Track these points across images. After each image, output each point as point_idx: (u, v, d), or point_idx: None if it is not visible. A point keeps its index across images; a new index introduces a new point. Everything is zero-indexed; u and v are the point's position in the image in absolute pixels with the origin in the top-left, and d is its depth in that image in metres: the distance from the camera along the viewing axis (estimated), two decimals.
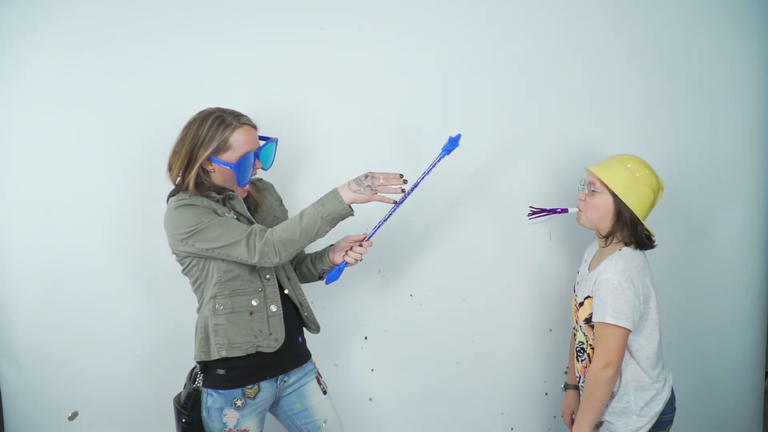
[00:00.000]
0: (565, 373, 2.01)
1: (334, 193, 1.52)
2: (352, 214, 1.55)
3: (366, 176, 1.52)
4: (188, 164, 1.56)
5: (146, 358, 2.03)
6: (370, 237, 1.67)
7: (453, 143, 1.65)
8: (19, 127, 1.94)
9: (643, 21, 2.09)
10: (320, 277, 1.76)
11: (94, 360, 2.02)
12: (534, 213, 1.80)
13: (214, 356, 1.58)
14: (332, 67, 1.97)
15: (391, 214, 1.63)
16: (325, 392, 1.76)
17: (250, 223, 1.61)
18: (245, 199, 1.66)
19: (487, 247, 2.09)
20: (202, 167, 1.57)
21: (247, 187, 1.64)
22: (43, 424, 2.07)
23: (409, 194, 1.60)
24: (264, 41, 1.93)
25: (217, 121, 1.55)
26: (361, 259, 1.68)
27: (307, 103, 1.97)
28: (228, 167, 1.55)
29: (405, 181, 1.54)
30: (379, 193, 1.52)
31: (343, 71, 1.97)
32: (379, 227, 1.66)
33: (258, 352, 1.60)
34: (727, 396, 2.28)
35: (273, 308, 1.61)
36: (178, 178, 1.60)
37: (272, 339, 1.60)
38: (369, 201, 1.53)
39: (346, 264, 1.68)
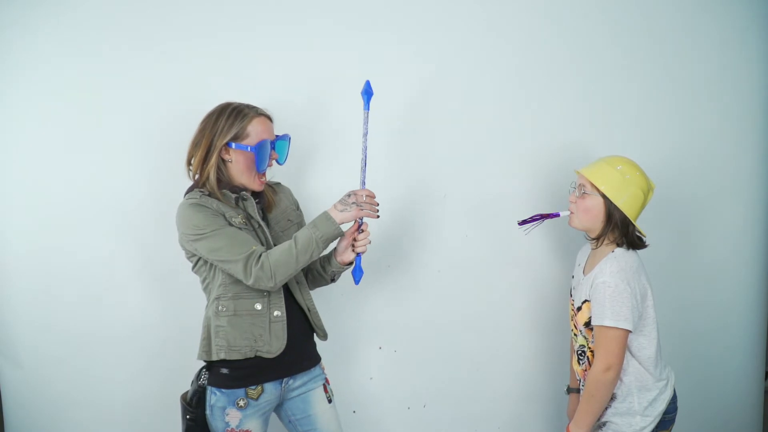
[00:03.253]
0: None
1: (326, 216, 1.56)
2: (343, 234, 1.61)
3: (349, 195, 1.58)
4: (207, 154, 1.59)
5: (148, 359, 2.02)
6: (362, 222, 1.67)
7: (368, 92, 1.65)
8: (22, 126, 1.94)
9: (640, 22, 2.10)
10: (332, 280, 1.77)
11: (93, 360, 2.01)
12: (525, 222, 1.80)
13: (214, 357, 1.60)
14: (337, 67, 1.97)
15: (363, 182, 1.66)
16: (330, 401, 1.75)
17: (260, 226, 1.63)
18: (260, 199, 1.69)
19: (484, 250, 2.09)
20: (221, 157, 1.60)
21: (264, 179, 1.66)
22: (43, 424, 2.06)
23: (365, 161, 1.65)
24: (272, 40, 1.94)
25: (234, 112, 1.60)
26: (369, 242, 1.69)
27: (314, 101, 1.97)
28: (247, 149, 1.58)
29: (376, 204, 1.63)
30: (363, 210, 1.58)
31: (347, 71, 1.96)
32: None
33: (257, 356, 1.60)
34: (727, 397, 2.28)
35: (276, 313, 1.61)
36: (197, 173, 1.63)
37: (272, 345, 1.60)
38: (355, 218, 1.59)
39: (360, 255, 1.68)
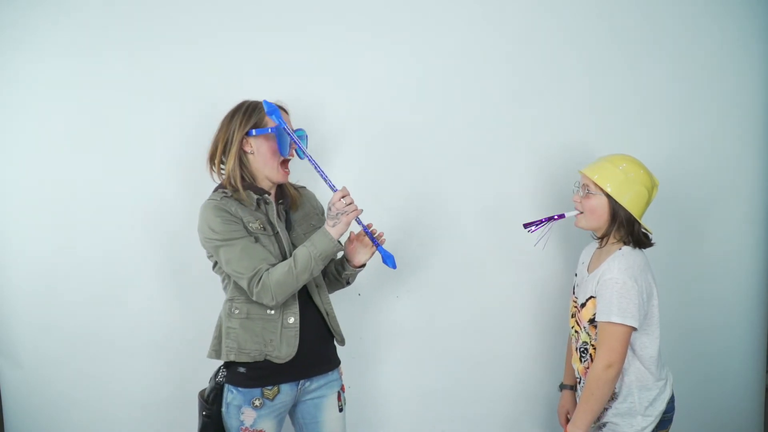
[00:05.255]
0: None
1: (324, 232, 1.55)
2: (342, 249, 1.62)
3: (329, 209, 1.55)
4: (227, 147, 1.60)
5: (149, 359, 2.01)
6: (361, 225, 1.66)
7: (271, 112, 1.60)
8: (25, 126, 1.93)
9: (641, 21, 2.10)
10: (348, 282, 1.78)
11: (94, 360, 2.00)
12: (530, 225, 1.79)
13: (223, 358, 1.61)
14: (340, 69, 1.98)
15: (332, 186, 1.62)
16: (341, 410, 1.75)
17: (277, 233, 1.62)
18: (284, 199, 1.69)
19: (486, 251, 2.09)
20: (242, 149, 1.60)
21: (287, 171, 1.66)
22: (43, 424, 2.05)
23: (318, 167, 1.61)
24: (280, 43, 1.94)
25: (252, 106, 1.63)
26: (382, 233, 1.70)
27: (319, 102, 1.97)
28: (268, 131, 1.59)
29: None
30: (349, 214, 1.54)
31: (349, 72, 1.98)
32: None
33: (267, 360, 1.60)
34: (727, 397, 2.29)
35: (290, 320, 1.61)
36: (222, 172, 1.63)
37: (282, 350, 1.59)
38: (348, 225, 1.56)
39: (380, 246, 1.67)
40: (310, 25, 1.95)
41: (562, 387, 1.94)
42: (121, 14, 1.89)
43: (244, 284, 1.54)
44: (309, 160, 1.62)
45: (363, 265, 1.72)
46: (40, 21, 1.90)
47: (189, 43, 1.91)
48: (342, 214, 1.54)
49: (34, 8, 1.89)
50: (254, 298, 1.55)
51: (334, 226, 1.54)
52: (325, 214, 1.57)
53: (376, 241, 1.66)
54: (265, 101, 1.59)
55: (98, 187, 1.94)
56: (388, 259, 1.65)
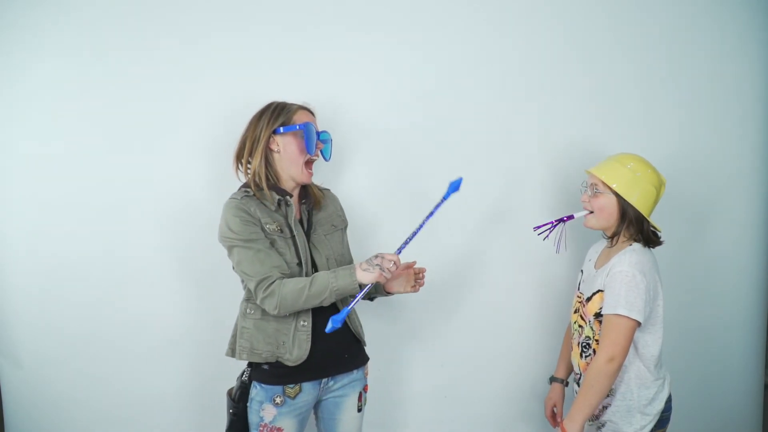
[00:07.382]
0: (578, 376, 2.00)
1: (351, 270, 1.54)
2: (358, 293, 1.59)
3: (376, 256, 1.55)
4: (254, 146, 1.60)
5: (149, 359, 2.01)
6: (368, 288, 1.62)
7: (454, 188, 1.65)
8: (27, 126, 1.92)
9: (644, 21, 2.12)
10: (370, 299, 1.80)
11: (94, 360, 1.99)
12: (545, 231, 1.80)
13: (237, 357, 1.62)
14: (347, 70, 1.99)
15: (402, 248, 1.61)
16: (360, 410, 1.76)
17: (293, 236, 1.62)
18: (306, 199, 1.69)
19: (492, 251, 2.10)
20: (268, 148, 1.61)
21: (311, 171, 1.66)
22: (43, 424, 2.04)
23: (415, 234, 1.61)
24: (292, 44, 1.95)
25: (279, 107, 1.65)
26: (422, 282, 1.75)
27: (330, 103, 1.97)
28: (296, 128, 1.60)
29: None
30: (383, 273, 1.53)
31: (357, 74, 1.99)
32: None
33: (278, 361, 1.60)
34: (727, 396, 2.31)
35: (303, 322, 1.61)
36: (248, 170, 1.63)
37: (293, 353, 1.60)
38: (374, 280, 1.53)
39: (349, 309, 1.57)
40: (317, 26, 1.95)
41: (552, 380, 1.94)
42: (136, 13, 1.88)
43: (252, 286, 1.55)
44: (420, 225, 1.59)
45: (390, 294, 1.74)
46: (44, 20, 1.89)
47: (199, 44, 1.91)
48: (380, 269, 1.52)
49: (34, 8, 1.89)
50: (258, 302, 1.56)
51: (365, 270, 1.53)
52: (367, 259, 1.55)
53: (353, 303, 1.58)
54: (460, 180, 1.62)
55: (106, 187, 1.93)
56: (335, 321, 1.49)
